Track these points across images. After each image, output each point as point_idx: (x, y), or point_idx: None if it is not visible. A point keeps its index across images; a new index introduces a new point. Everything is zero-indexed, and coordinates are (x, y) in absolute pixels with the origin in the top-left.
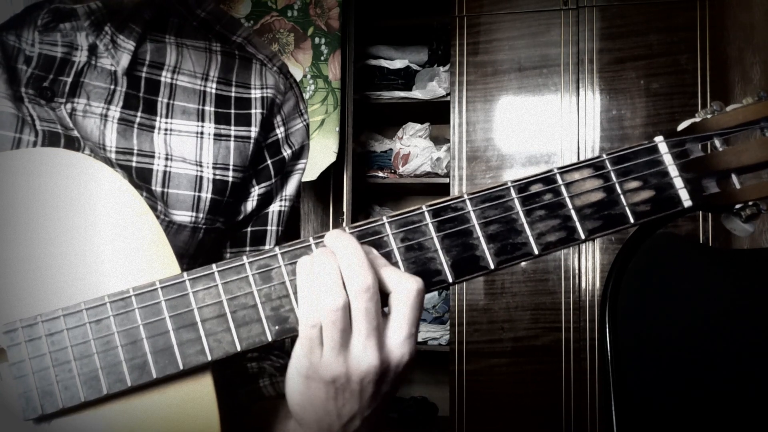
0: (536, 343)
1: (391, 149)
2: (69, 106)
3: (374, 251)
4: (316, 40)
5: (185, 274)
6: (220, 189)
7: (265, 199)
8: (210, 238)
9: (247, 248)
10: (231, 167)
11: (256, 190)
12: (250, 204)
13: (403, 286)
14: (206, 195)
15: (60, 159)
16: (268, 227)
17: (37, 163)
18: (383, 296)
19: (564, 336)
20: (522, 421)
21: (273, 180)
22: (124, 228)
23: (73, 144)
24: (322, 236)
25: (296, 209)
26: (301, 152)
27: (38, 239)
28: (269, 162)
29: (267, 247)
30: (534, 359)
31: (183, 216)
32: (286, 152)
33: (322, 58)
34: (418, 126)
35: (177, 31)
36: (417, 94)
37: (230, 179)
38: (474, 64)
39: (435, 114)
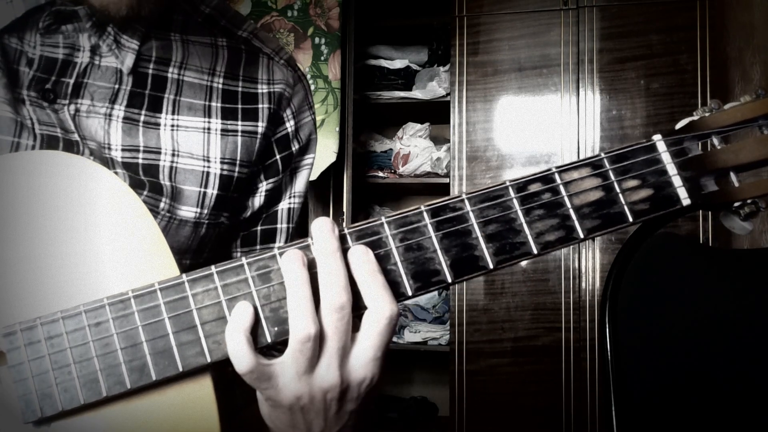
0: (536, 343)
1: (391, 149)
2: (72, 107)
3: (368, 254)
4: (316, 40)
5: (184, 275)
6: (225, 184)
7: (273, 195)
8: (214, 233)
9: (258, 247)
10: (238, 162)
11: (264, 186)
12: (258, 200)
13: (378, 308)
14: (212, 191)
15: (60, 160)
16: (278, 225)
17: (37, 164)
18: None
19: (564, 336)
20: (522, 421)
21: (281, 175)
22: (123, 228)
23: (72, 148)
24: None
25: (306, 205)
26: (307, 146)
27: (38, 240)
28: (278, 157)
29: (278, 245)
30: (534, 359)
31: (188, 211)
32: (294, 147)
33: (322, 58)
34: (418, 126)
35: (182, 28)
36: (417, 94)
37: (236, 174)
38: (474, 64)
39: (435, 114)
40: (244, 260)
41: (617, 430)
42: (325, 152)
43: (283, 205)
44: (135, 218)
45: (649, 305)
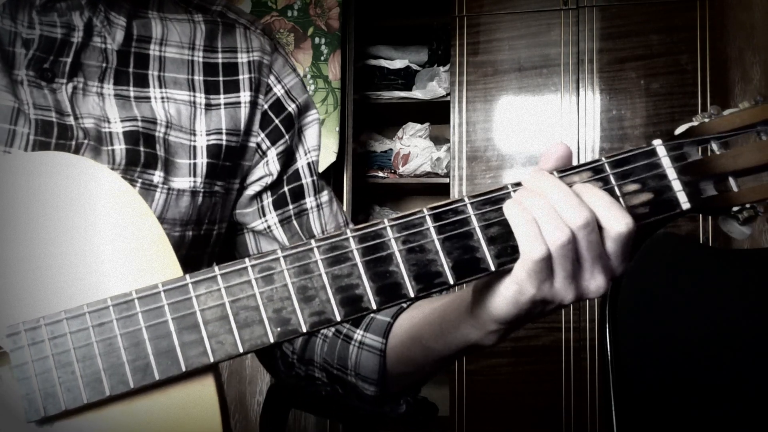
0: (536, 343)
1: (391, 149)
2: (70, 86)
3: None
4: (316, 40)
5: (188, 276)
6: (214, 153)
7: (287, 157)
8: (210, 202)
9: (291, 206)
10: (224, 131)
11: (274, 151)
12: (273, 166)
13: (617, 224)
14: (201, 161)
15: (60, 160)
16: (303, 180)
17: (38, 165)
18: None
19: (564, 336)
20: (522, 421)
21: (286, 137)
22: (124, 228)
23: (66, 132)
24: (328, 237)
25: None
26: (306, 105)
27: (39, 240)
28: (277, 121)
29: (308, 199)
30: (534, 359)
31: (182, 182)
32: (291, 107)
33: (322, 58)
34: (418, 126)
35: (158, 6)
36: (417, 94)
37: (224, 143)
38: (474, 64)
39: (435, 114)
40: (247, 262)
41: (617, 430)
42: (325, 152)
43: (302, 162)
44: (136, 218)
45: (649, 305)
